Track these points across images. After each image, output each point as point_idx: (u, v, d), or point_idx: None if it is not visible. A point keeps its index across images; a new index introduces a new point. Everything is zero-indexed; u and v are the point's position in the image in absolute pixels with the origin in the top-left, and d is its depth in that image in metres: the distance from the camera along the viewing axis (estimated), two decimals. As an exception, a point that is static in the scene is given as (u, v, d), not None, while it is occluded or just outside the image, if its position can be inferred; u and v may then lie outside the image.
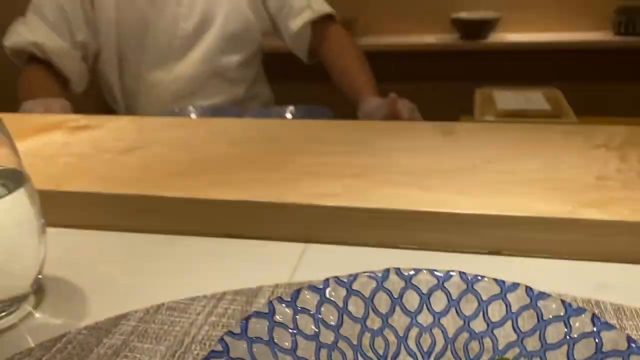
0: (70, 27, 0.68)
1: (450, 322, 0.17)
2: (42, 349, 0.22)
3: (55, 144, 0.41)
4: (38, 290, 0.27)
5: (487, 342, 0.17)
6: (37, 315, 0.25)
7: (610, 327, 0.15)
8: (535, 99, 0.69)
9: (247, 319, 0.15)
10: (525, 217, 0.26)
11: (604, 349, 0.14)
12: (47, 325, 0.24)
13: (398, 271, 0.19)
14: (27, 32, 0.67)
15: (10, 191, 0.23)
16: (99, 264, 0.30)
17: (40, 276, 0.26)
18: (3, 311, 0.24)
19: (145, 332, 0.24)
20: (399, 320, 0.18)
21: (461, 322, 0.17)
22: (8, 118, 0.23)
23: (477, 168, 0.33)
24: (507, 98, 0.71)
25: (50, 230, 0.26)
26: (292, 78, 0.99)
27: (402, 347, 0.17)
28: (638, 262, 0.25)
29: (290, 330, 0.16)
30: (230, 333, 0.14)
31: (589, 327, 0.15)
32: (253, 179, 0.33)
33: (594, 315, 0.15)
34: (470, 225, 0.27)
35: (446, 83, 1.35)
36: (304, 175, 0.33)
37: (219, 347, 0.14)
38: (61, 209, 0.31)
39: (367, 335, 0.17)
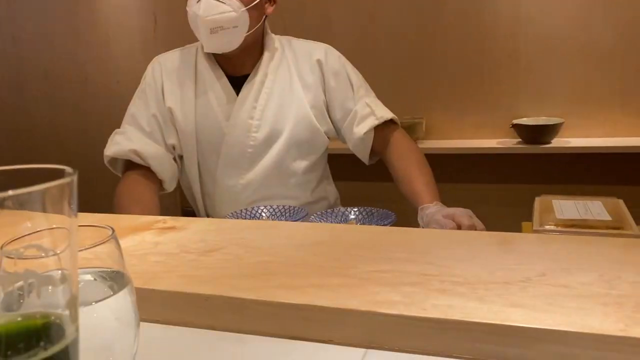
0: (162, 133, 0.77)
1: None
2: None
3: (147, 243, 0.46)
4: None
5: None
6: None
7: None
8: (595, 208, 0.70)
9: None
10: (577, 333, 0.26)
11: None
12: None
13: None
14: (126, 142, 0.74)
15: (114, 292, 0.24)
16: (180, 357, 0.31)
17: None
18: None
19: None
20: None
21: None
22: (107, 218, 0.26)
23: (531, 280, 0.33)
24: (566, 207, 0.72)
25: (144, 326, 0.26)
26: (357, 177, 1.05)
27: None
28: None
29: None
30: None
31: None
32: (317, 283, 0.35)
33: None
34: (527, 339, 0.27)
35: (510, 185, 1.39)
36: (365, 281, 0.35)
37: None
38: (147, 305, 0.31)
39: None
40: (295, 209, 0.71)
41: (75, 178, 0.14)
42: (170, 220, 0.53)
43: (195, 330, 0.34)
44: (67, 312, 0.15)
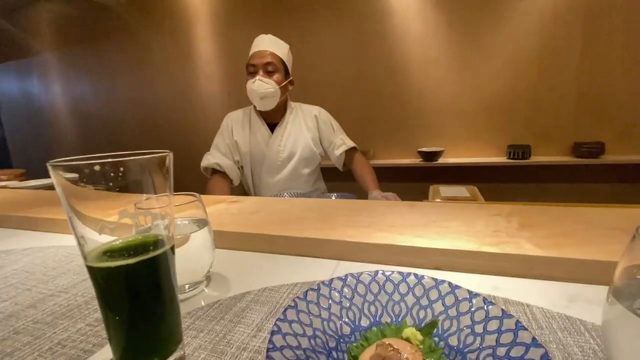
0: (232, 153, 1.43)
1: (410, 300, 0.32)
2: (207, 306, 0.44)
3: (222, 208, 0.82)
4: (208, 279, 0.51)
5: (429, 311, 0.31)
6: (206, 291, 0.48)
7: (492, 304, 0.29)
8: (462, 191, 1.45)
9: (305, 292, 0.31)
10: (453, 250, 0.50)
11: (489, 315, 0.28)
12: (211, 296, 0.47)
13: (383, 272, 0.34)
14: (212, 158, 1.39)
15: (200, 228, 0.48)
16: (239, 267, 0.55)
17: (209, 271, 0.50)
18: (192, 288, 0.48)
19: (257, 300, 0.44)
20: (383, 298, 0.32)
21: (414, 300, 0.32)
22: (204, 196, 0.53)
23: (428, 225, 0.62)
24: (446, 190, 1.47)
25: (216, 250, 0.52)
26: (337, 179, 1.78)
27: (384, 312, 0.32)
28: (516, 276, 0.48)
29: (327, 298, 0.31)
30: (297, 298, 0.30)
31: (482, 304, 0.29)
32: (314, 227, 0.63)
33: (484, 298, 0.29)
34: (424, 253, 0.52)
35: (415, 183, 2.65)
36: (339, 226, 0.63)
37: (292, 304, 0.29)
38: (222, 239, 0.62)
39: (366, 304, 0.32)
40: (302, 194, 1.37)
41: (170, 156, 0.27)
42: (235, 198, 0.92)
43: (248, 253, 0.61)
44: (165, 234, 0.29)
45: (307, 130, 1.43)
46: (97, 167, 0.24)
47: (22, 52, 3.99)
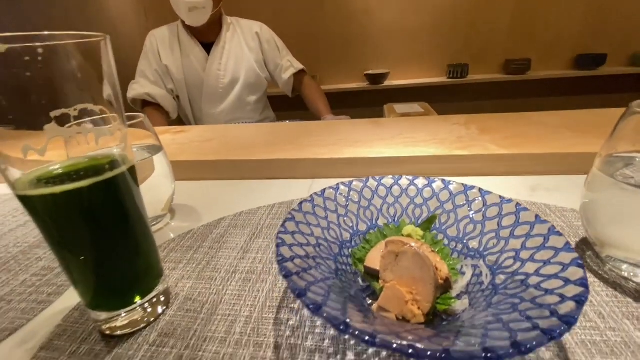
0: (163, 81, 1.21)
1: (404, 200, 0.32)
2: (179, 237, 0.39)
3: (168, 139, 0.72)
4: (172, 211, 0.46)
5: (424, 209, 0.31)
6: (173, 223, 0.43)
7: (489, 192, 0.29)
8: (415, 107, 1.51)
9: (300, 203, 0.28)
10: (424, 157, 0.51)
11: (487, 203, 0.28)
12: (180, 227, 0.42)
13: (373, 178, 0.33)
14: (140, 88, 1.18)
15: (155, 153, 0.40)
16: (205, 196, 0.50)
17: (173, 203, 0.45)
18: (156, 222, 0.42)
19: (235, 225, 0.41)
20: (377, 202, 0.32)
21: (409, 200, 0.31)
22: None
23: (395, 137, 0.62)
24: (400, 108, 1.51)
25: (176, 182, 0.45)
26: (285, 108, 1.72)
27: (380, 215, 0.31)
28: (484, 175, 0.51)
29: (322, 208, 0.29)
30: (293, 210, 0.27)
31: (478, 194, 0.29)
32: (281, 149, 0.59)
33: (480, 189, 0.29)
34: (397, 162, 0.52)
35: (365, 108, 2.63)
36: (307, 146, 0.60)
37: (289, 216, 0.27)
38: (177, 171, 0.52)
39: (362, 210, 0.31)
40: (251, 124, 1.20)
41: (108, 41, 0.20)
42: (179, 128, 0.81)
43: (212, 182, 0.56)
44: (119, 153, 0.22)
45: (249, 50, 1.23)
46: (1, 49, 0.16)
47: None
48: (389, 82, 2.45)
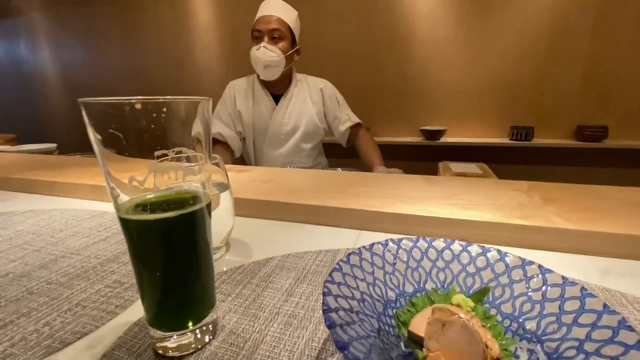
0: (234, 123, 1.38)
1: (455, 267, 0.31)
2: (230, 271, 0.42)
3: (231, 177, 0.80)
4: (228, 244, 0.49)
5: (477, 278, 0.30)
6: (227, 257, 0.46)
7: (550, 271, 0.27)
8: (473, 167, 1.45)
9: (348, 255, 0.29)
10: (480, 222, 0.49)
11: (548, 282, 0.27)
12: (232, 261, 0.45)
13: (424, 238, 0.32)
14: (214, 128, 1.33)
15: (222, 191, 0.45)
16: (258, 234, 0.53)
17: (229, 236, 0.49)
18: (212, 253, 0.45)
19: (282, 266, 0.43)
20: (426, 264, 0.31)
21: (460, 267, 0.31)
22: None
23: (449, 197, 0.60)
24: (456, 166, 1.47)
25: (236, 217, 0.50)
26: (337, 155, 1.80)
27: (428, 278, 0.30)
28: (546, 249, 0.47)
29: (369, 262, 0.30)
30: (341, 261, 0.29)
31: (537, 271, 0.27)
32: (333, 196, 0.62)
33: (540, 265, 0.28)
34: (449, 224, 0.51)
35: (417, 162, 2.69)
36: (358, 196, 0.62)
37: (337, 266, 0.28)
38: (238, 206, 0.59)
39: (409, 270, 0.31)
40: (304, 168, 1.32)
41: (210, 103, 0.25)
42: (243, 168, 0.91)
43: (268, 221, 0.60)
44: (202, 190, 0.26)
45: (312, 104, 1.37)
46: (138, 105, 0.21)
47: (7, 11, 3.76)
48: (445, 139, 2.43)
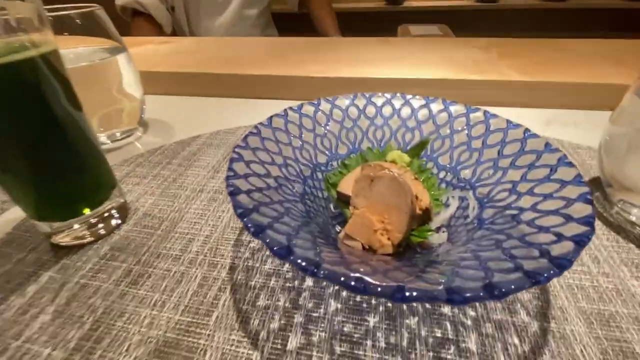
0: None
1: (394, 122, 0.27)
2: (148, 152, 0.36)
3: (148, 50, 0.63)
4: (145, 125, 0.42)
5: (416, 133, 0.27)
6: (145, 137, 0.40)
7: (496, 116, 0.24)
8: (433, 29, 1.23)
9: (269, 118, 0.24)
10: (434, 80, 0.45)
11: (491, 129, 0.24)
12: (151, 143, 0.39)
13: (362, 94, 0.28)
14: None
15: (113, 55, 0.35)
16: (182, 112, 0.45)
17: (145, 116, 0.41)
18: (125, 135, 0.39)
19: (210, 143, 0.37)
20: (363, 123, 0.27)
21: (400, 122, 0.27)
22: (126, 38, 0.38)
23: (404, 58, 0.54)
24: (416, 29, 1.24)
25: (151, 96, 0.43)
26: (291, 27, 1.45)
27: (364, 137, 0.27)
28: (498, 104, 0.45)
29: (297, 125, 0.25)
30: (260, 124, 0.23)
31: (482, 117, 0.24)
32: (272, 64, 0.52)
33: (486, 111, 0.24)
34: (402, 85, 0.46)
35: (381, 32, 2.13)
36: (302, 62, 0.53)
37: (254, 130, 0.23)
38: (153, 83, 0.49)
39: (344, 131, 0.27)
40: (244, 38, 1.04)
41: None
42: (165, 39, 0.73)
43: (189, 98, 0.50)
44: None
45: None
46: None
47: None
48: (409, 3, 2.17)
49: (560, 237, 0.14)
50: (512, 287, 0.12)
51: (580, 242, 0.13)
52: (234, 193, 0.17)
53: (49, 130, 0.20)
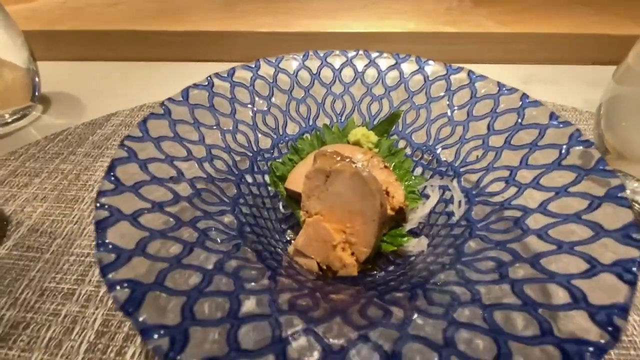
0: None
1: (357, 90, 0.21)
2: (47, 140, 0.27)
3: (51, 3, 0.47)
4: (45, 101, 0.32)
5: (385, 103, 0.21)
6: (45, 118, 0.31)
7: (484, 77, 0.19)
8: None
9: (185, 90, 0.17)
10: (402, 33, 0.38)
11: (478, 95, 0.19)
12: (52, 125, 0.30)
13: (315, 52, 0.21)
14: None
15: None
16: (94, 83, 0.36)
17: (42, 90, 0.31)
18: (16, 116, 0.29)
19: (130, 123, 0.29)
20: (317, 91, 0.21)
21: (364, 89, 0.21)
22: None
23: (367, 7, 0.45)
24: None
25: (48, 63, 0.33)
26: None
27: (320, 110, 0.21)
28: (473, 61, 0.38)
29: (227, 98, 0.18)
30: (168, 100, 0.17)
31: (466, 80, 0.19)
32: (210, 17, 0.42)
33: (470, 71, 0.19)
34: (364, 40, 0.39)
35: None
36: (247, 14, 0.43)
37: (158, 111, 0.16)
38: (58, 46, 0.38)
39: (293, 103, 0.21)
40: None
41: None
42: None
43: (104, 63, 0.39)
44: None
45: None
46: None
47: None
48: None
49: (594, 264, 0.10)
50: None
51: (631, 282, 0.09)
52: (102, 225, 0.10)
53: None
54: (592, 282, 0.09)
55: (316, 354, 0.08)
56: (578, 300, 0.09)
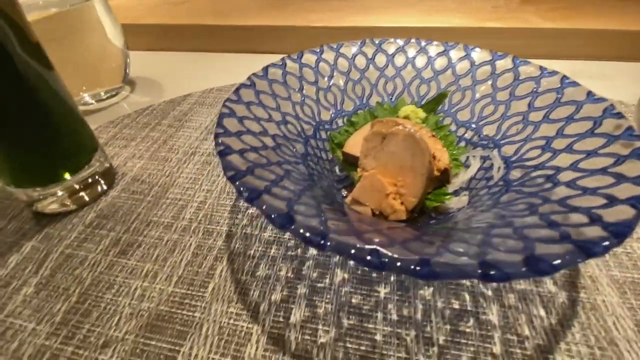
0: None
1: (408, 73, 0.24)
2: (137, 113, 0.33)
3: (131, 1, 0.55)
4: (131, 83, 0.39)
5: (433, 85, 0.23)
6: (132, 97, 0.37)
7: (528, 62, 0.21)
8: None
9: (265, 68, 0.21)
10: (449, 28, 0.41)
11: (520, 77, 0.21)
12: (139, 102, 0.36)
13: (372, 40, 0.24)
14: None
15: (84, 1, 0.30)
16: (172, 69, 0.42)
17: (130, 74, 0.37)
18: (110, 94, 0.36)
19: (203, 102, 0.34)
20: (372, 74, 0.24)
21: (414, 73, 0.24)
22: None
23: (417, 3, 0.48)
24: None
25: (136, 52, 0.41)
26: None
27: (373, 91, 0.24)
28: (520, 56, 0.39)
29: (297, 77, 0.22)
30: (254, 75, 0.20)
31: (510, 65, 0.21)
32: (266, 14, 0.46)
33: (515, 58, 0.21)
34: (413, 34, 0.41)
35: None
36: (300, 11, 0.47)
37: (248, 82, 0.20)
38: (139, 38, 0.45)
39: (350, 83, 0.24)
40: None
41: None
42: None
43: (177, 53, 0.46)
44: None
45: None
46: None
47: None
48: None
49: (612, 200, 0.12)
50: (561, 261, 0.10)
51: (637, 205, 0.11)
52: (224, 153, 0.14)
53: (12, 91, 0.18)
54: (609, 211, 0.11)
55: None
56: (595, 220, 0.11)
